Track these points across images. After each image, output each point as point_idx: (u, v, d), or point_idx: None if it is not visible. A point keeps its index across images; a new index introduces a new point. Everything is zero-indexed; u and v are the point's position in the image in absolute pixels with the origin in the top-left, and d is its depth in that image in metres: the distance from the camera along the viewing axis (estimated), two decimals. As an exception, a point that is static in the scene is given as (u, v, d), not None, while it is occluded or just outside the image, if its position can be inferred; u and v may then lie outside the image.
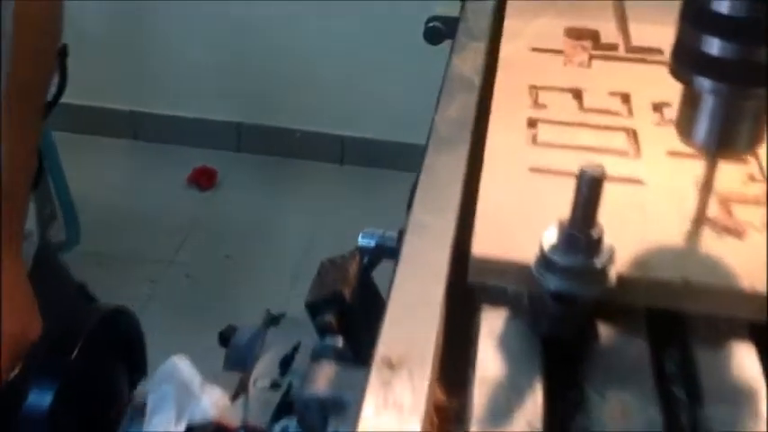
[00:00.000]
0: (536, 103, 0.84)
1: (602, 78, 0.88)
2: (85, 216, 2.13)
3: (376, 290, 0.76)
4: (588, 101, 0.84)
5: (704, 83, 0.60)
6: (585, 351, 0.61)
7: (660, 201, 0.70)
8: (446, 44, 1.15)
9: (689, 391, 0.60)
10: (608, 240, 0.60)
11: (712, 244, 0.65)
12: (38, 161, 1.15)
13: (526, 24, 0.99)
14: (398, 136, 2.94)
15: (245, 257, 2.75)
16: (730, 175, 0.72)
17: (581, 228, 0.59)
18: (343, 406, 0.64)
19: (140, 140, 3.12)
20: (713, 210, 0.69)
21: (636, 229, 0.66)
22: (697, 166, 0.67)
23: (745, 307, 0.61)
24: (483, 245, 0.64)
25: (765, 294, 0.61)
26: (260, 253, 2.76)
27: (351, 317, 0.68)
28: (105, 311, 1.00)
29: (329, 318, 0.70)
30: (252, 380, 0.87)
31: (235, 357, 0.97)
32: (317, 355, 0.69)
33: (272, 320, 0.95)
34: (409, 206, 0.88)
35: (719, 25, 0.58)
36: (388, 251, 0.85)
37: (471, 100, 0.88)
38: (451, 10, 1.16)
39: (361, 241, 0.85)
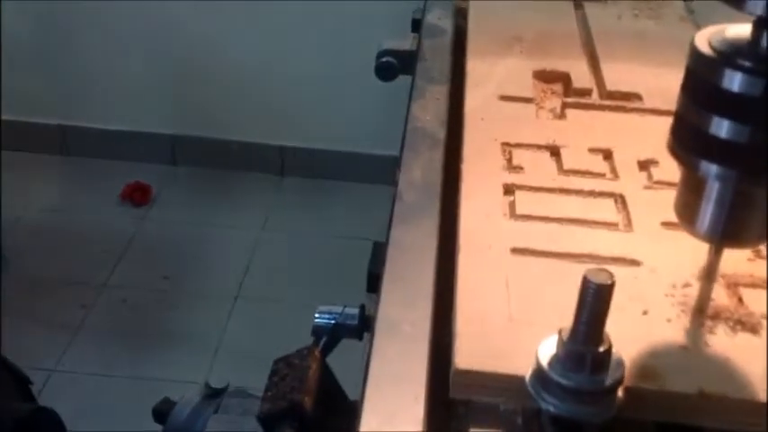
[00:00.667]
0: (510, 165, 0.75)
1: (580, 131, 0.80)
2: (13, 238, 1.99)
3: (337, 386, 0.67)
4: (568, 160, 0.76)
5: (710, 168, 0.52)
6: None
7: (661, 287, 0.62)
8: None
9: None
10: (615, 350, 0.52)
11: (727, 343, 0.57)
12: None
13: (491, 67, 0.90)
14: (341, 145, 2.85)
15: (184, 278, 2.62)
16: (733, 250, 0.64)
17: (586, 343, 0.51)
18: None
19: (70, 156, 2.96)
20: (722, 297, 0.61)
21: (637, 327, 0.58)
22: (698, 242, 0.60)
23: (764, 420, 0.54)
24: (466, 355, 0.56)
25: (789, 405, 0.54)
26: (200, 272, 2.64)
27: (311, 428, 0.59)
28: (22, 414, 0.88)
29: (287, 434, 0.60)
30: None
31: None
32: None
33: (213, 394, 0.85)
34: (370, 275, 0.79)
35: (729, 105, 0.50)
36: (349, 330, 0.75)
37: (437, 157, 0.79)
38: (402, 42, 1.07)
39: (318, 320, 0.75)
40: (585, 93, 0.87)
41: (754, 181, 0.52)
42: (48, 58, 2.87)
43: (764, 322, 0.59)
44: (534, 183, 0.73)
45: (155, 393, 0.94)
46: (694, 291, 0.61)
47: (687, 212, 0.55)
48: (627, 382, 0.53)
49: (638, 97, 0.85)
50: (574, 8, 1.05)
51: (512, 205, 0.70)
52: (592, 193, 0.72)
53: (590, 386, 0.51)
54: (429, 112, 0.86)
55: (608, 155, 0.77)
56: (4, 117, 2.60)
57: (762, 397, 0.54)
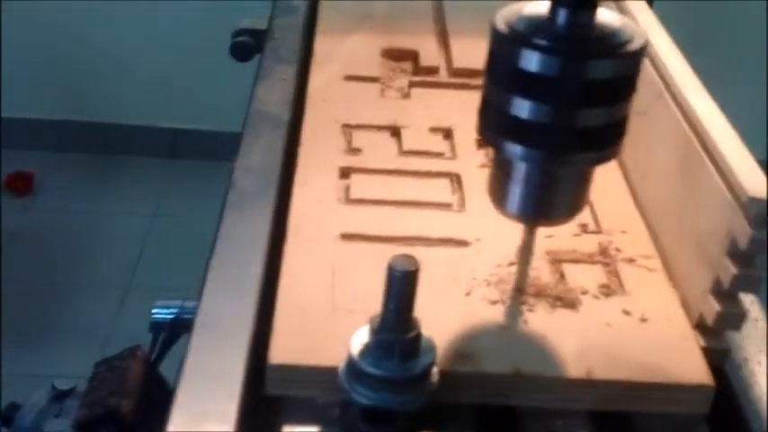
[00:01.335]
0: (350, 148, 0.74)
1: (423, 111, 0.79)
2: None
3: (165, 385, 0.64)
4: (408, 141, 0.75)
5: (516, 149, 0.51)
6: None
7: (486, 268, 0.62)
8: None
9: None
10: (428, 332, 0.51)
11: (545, 321, 0.57)
12: None
13: (338, 45, 0.88)
14: (232, 126, 2.79)
15: (71, 269, 2.54)
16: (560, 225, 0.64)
17: (395, 330, 0.50)
18: None
19: (-55, 145, 2.81)
20: (545, 275, 0.61)
21: (459, 309, 0.58)
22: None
23: (581, 396, 0.55)
24: (283, 349, 0.54)
25: (603, 380, 0.54)
26: (88, 263, 2.55)
27: (132, 432, 0.57)
28: None
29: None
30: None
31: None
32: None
33: (59, 396, 0.82)
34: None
35: (528, 85, 0.49)
36: (189, 325, 0.73)
37: (278, 141, 0.77)
38: (260, 22, 1.04)
39: (156, 315, 0.72)
40: (433, 71, 0.86)
41: (559, 160, 0.52)
42: None
43: (582, 297, 0.59)
44: (372, 165, 0.72)
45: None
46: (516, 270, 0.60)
47: (499, 193, 0.54)
48: (442, 366, 0.53)
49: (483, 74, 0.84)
50: (429, -17, 1.04)
51: (347, 189, 0.69)
52: (429, 174, 0.71)
53: (400, 374, 0.50)
54: (275, 93, 0.83)
55: (448, 134, 0.76)
56: None
57: (576, 373, 0.54)
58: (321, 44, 0.89)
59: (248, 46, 1.04)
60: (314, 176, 0.70)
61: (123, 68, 2.83)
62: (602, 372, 0.54)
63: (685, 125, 0.63)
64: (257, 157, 0.75)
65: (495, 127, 0.52)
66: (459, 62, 0.86)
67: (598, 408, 0.55)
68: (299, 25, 0.97)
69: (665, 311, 0.60)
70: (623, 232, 0.67)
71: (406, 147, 0.74)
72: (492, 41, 0.51)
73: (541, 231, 0.64)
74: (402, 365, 0.50)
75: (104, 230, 2.71)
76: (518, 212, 0.54)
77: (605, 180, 0.72)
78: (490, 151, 0.74)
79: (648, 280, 0.62)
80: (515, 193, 0.53)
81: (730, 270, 0.55)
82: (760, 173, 0.56)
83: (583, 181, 0.53)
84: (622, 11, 0.77)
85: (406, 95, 0.82)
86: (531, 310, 0.58)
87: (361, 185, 0.69)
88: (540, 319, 0.58)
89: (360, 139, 0.75)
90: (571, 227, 0.66)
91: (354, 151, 0.73)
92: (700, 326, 0.59)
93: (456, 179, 0.71)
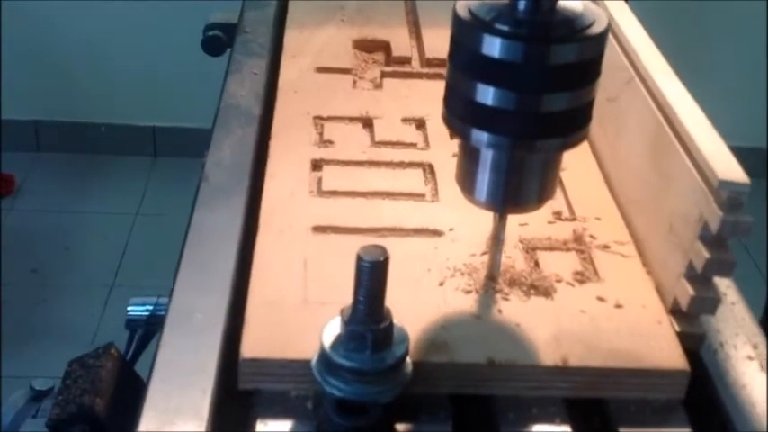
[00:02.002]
0: (322, 140, 0.73)
1: (395, 101, 0.79)
2: None
3: (140, 381, 0.64)
4: (380, 131, 0.74)
5: (482, 136, 0.51)
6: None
7: (460, 257, 0.61)
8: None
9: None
10: (402, 323, 0.51)
11: (519, 309, 0.57)
12: None
13: (310, 37, 0.88)
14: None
15: (54, 270, 2.52)
16: (534, 212, 0.64)
17: (366, 321, 0.49)
18: None
19: (-76, 148, 2.78)
20: (520, 263, 0.61)
21: (433, 299, 0.57)
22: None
23: (556, 383, 0.54)
24: (255, 342, 0.53)
25: (577, 367, 0.54)
26: (70, 264, 2.53)
27: (104, 431, 0.56)
28: None
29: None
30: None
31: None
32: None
33: (37, 396, 0.81)
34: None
35: (492, 71, 0.49)
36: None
37: (249, 135, 0.76)
38: (232, 16, 1.04)
39: (131, 312, 0.72)
40: (405, 61, 0.86)
41: (526, 146, 0.51)
42: None
43: (557, 285, 0.59)
44: (344, 157, 0.71)
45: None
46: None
47: (467, 181, 0.54)
48: (416, 356, 0.53)
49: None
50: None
51: (319, 182, 0.68)
52: (401, 165, 0.71)
53: (373, 365, 0.49)
54: (245, 87, 0.83)
55: (421, 124, 0.76)
56: None
57: (550, 361, 0.54)
58: (292, 37, 0.88)
59: (220, 40, 1.03)
60: (285, 169, 0.69)
61: (103, 67, 2.81)
62: (577, 359, 0.54)
63: (656, 110, 0.63)
64: (228, 151, 0.74)
65: (460, 114, 0.51)
66: (431, 52, 0.86)
67: (574, 395, 0.55)
68: (270, 18, 0.96)
69: (640, 297, 0.59)
70: (598, 219, 0.66)
71: (378, 137, 0.73)
72: (454, 28, 0.50)
73: (516, 219, 0.64)
74: (374, 356, 0.49)
75: (87, 230, 2.69)
76: (487, 200, 0.54)
77: (579, 167, 0.72)
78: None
79: (623, 266, 0.62)
80: (483, 180, 0.53)
81: (703, 254, 0.55)
82: (730, 156, 0.56)
83: (551, 167, 0.53)
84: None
85: (378, 86, 0.82)
86: (505, 299, 0.58)
87: (334, 177, 0.68)
88: (514, 308, 0.57)
89: (331, 130, 0.74)
90: (546, 214, 0.66)
91: (326, 143, 0.73)
92: (674, 311, 0.59)
93: (429, 169, 0.70)
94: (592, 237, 0.64)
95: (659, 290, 0.60)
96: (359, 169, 0.70)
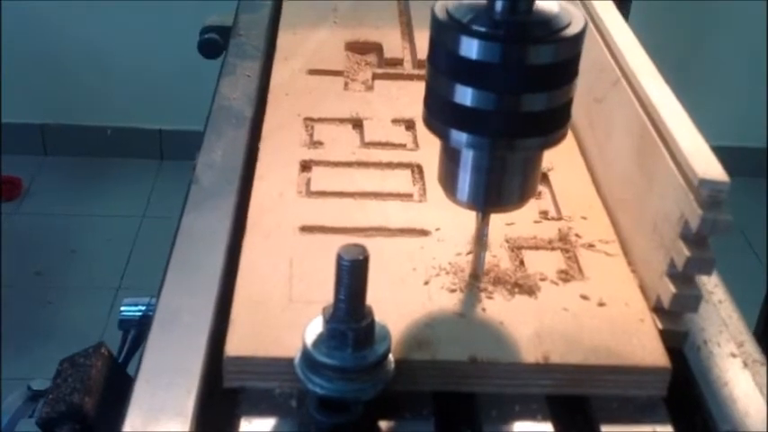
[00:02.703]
0: (311, 141, 0.74)
1: (386, 102, 0.80)
2: None
3: (130, 381, 0.64)
4: (370, 132, 0.75)
5: (462, 137, 0.52)
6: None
7: (446, 256, 0.62)
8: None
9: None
10: (386, 321, 0.51)
11: (502, 307, 0.58)
12: None
13: (303, 39, 0.88)
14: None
15: (60, 273, 2.53)
16: (520, 212, 0.64)
17: (347, 319, 0.50)
18: None
19: (-69, 152, 2.80)
20: (505, 262, 0.62)
21: (418, 297, 0.58)
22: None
23: (538, 381, 0.55)
24: (239, 341, 0.54)
25: (559, 364, 0.55)
26: (78, 266, 2.55)
27: (94, 430, 0.57)
28: None
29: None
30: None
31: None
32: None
33: (35, 396, 0.82)
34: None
35: (470, 72, 0.49)
36: (158, 322, 0.73)
37: (241, 138, 0.77)
38: (227, 18, 1.04)
39: (124, 312, 0.73)
40: (397, 62, 0.86)
41: (505, 146, 0.52)
42: None
43: (541, 283, 0.59)
44: (333, 158, 0.72)
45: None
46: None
47: (449, 182, 0.55)
48: (399, 354, 0.53)
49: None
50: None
51: (308, 182, 0.69)
52: (390, 165, 0.71)
53: (354, 363, 0.50)
54: (238, 89, 0.83)
55: (410, 125, 0.76)
56: None
57: (532, 358, 0.54)
58: (285, 39, 0.89)
59: (216, 43, 1.04)
60: (274, 170, 0.70)
61: (110, 71, 2.82)
62: (558, 356, 0.55)
63: (640, 111, 0.63)
64: (220, 153, 0.75)
65: (440, 116, 0.52)
66: (422, 53, 0.86)
67: (555, 392, 0.55)
68: (264, 21, 0.97)
69: (623, 295, 0.60)
70: (584, 218, 0.67)
71: (368, 138, 0.74)
72: (432, 30, 0.51)
73: (502, 219, 0.64)
74: (355, 354, 0.50)
75: (93, 233, 2.71)
76: (468, 200, 0.54)
77: (568, 167, 0.73)
78: (452, 141, 0.74)
79: (607, 265, 0.63)
80: (464, 180, 0.53)
81: (683, 252, 0.56)
82: (710, 155, 0.56)
83: (531, 166, 0.54)
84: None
85: (370, 88, 0.82)
86: (489, 298, 0.58)
87: (322, 178, 0.69)
88: (498, 306, 0.58)
89: (322, 132, 0.75)
90: (532, 214, 0.67)
91: (316, 144, 0.73)
92: (657, 309, 0.59)
93: (417, 170, 0.71)
94: (577, 236, 0.65)
95: (643, 288, 0.61)
96: (348, 170, 0.71)
